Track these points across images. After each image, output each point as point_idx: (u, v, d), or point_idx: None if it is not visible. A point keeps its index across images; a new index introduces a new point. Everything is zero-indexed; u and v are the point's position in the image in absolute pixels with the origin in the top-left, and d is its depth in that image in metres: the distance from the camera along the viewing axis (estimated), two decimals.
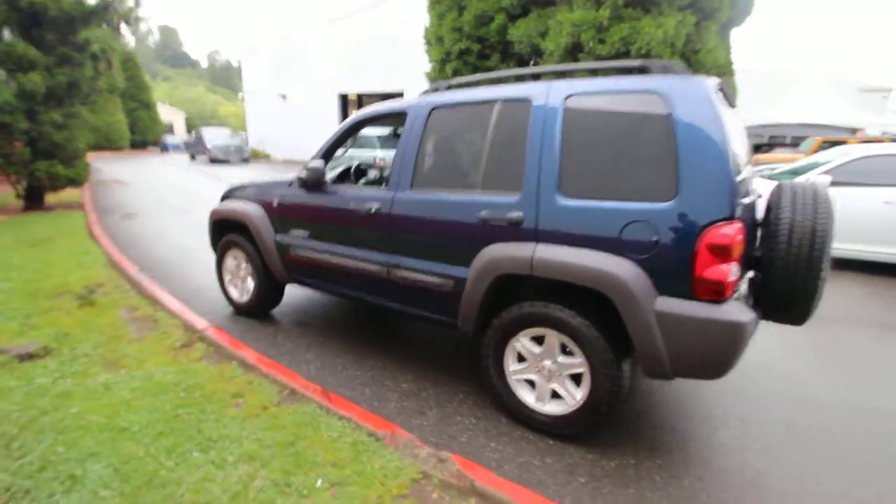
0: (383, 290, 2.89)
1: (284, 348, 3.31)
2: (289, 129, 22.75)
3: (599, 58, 8.30)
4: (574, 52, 8.60)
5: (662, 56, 7.99)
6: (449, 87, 2.79)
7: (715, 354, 1.96)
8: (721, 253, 1.88)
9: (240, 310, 3.90)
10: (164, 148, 28.41)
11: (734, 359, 1.95)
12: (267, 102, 23.50)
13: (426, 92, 2.85)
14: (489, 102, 2.51)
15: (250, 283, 3.80)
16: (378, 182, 4.04)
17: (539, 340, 2.38)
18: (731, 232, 1.87)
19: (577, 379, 2.32)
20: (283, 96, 22.67)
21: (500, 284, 2.41)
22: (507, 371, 2.48)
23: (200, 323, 3.50)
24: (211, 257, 5.59)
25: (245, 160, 21.33)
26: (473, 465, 2.06)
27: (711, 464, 2.22)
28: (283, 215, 3.39)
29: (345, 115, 22.78)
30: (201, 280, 4.75)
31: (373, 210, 2.81)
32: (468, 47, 10.17)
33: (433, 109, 2.71)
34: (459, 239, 2.51)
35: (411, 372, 3.02)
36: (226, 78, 64.22)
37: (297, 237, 3.31)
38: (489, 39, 10.05)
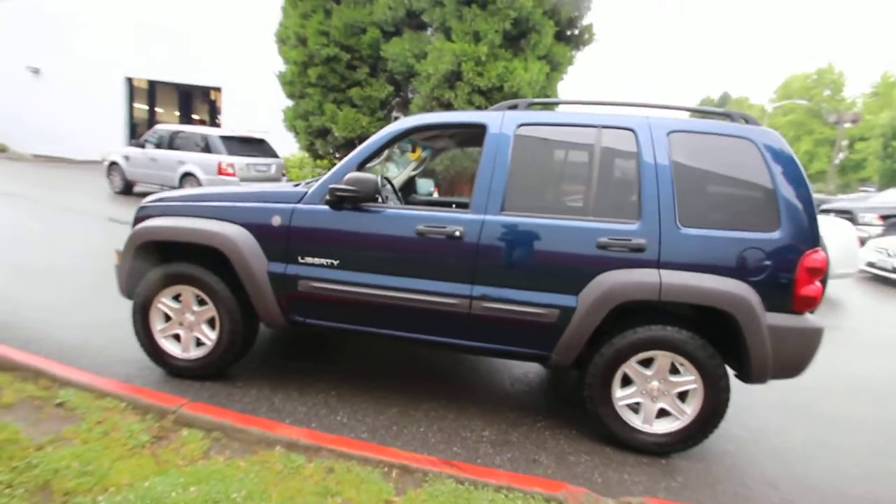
0: (459, 326, 2.49)
1: (300, 415, 2.50)
2: (45, 116, 17.13)
3: (478, 89, 8.94)
4: (452, 79, 9.04)
5: (527, 95, 9.11)
6: (530, 106, 2.63)
7: (804, 356, 2.37)
8: (815, 274, 2.30)
9: (182, 370, 2.77)
10: None
11: (813, 357, 2.39)
12: (4, 77, 17.19)
13: (499, 107, 2.62)
14: (590, 127, 2.48)
15: (208, 332, 2.75)
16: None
17: (645, 363, 2.44)
18: (821, 257, 2.31)
19: (681, 396, 2.46)
20: (36, 71, 17.01)
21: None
22: (613, 398, 2.45)
23: (165, 398, 2.35)
24: (39, 298, 3.85)
25: None
26: (665, 503, 1.98)
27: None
28: (291, 239, 2.58)
29: (132, 103, 18.46)
30: (50, 334, 3.16)
31: (456, 235, 2.41)
32: (337, 55, 9.57)
33: (520, 126, 2.51)
34: (570, 266, 2.38)
35: (476, 416, 2.68)
36: None
37: (317, 267, 2.57)
38: (360, 51, 9.69)
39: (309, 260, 2.58)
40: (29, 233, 6.18)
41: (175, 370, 2.78)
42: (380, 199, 2.83)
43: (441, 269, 2.47)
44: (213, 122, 20.41)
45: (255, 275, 2.59)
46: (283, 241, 2.60)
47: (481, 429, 2.55)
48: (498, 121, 2.54)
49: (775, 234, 2.30)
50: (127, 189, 10.72)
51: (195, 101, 23.96)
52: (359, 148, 2.63)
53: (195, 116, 24.30)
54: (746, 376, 2.42)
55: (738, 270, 2.30)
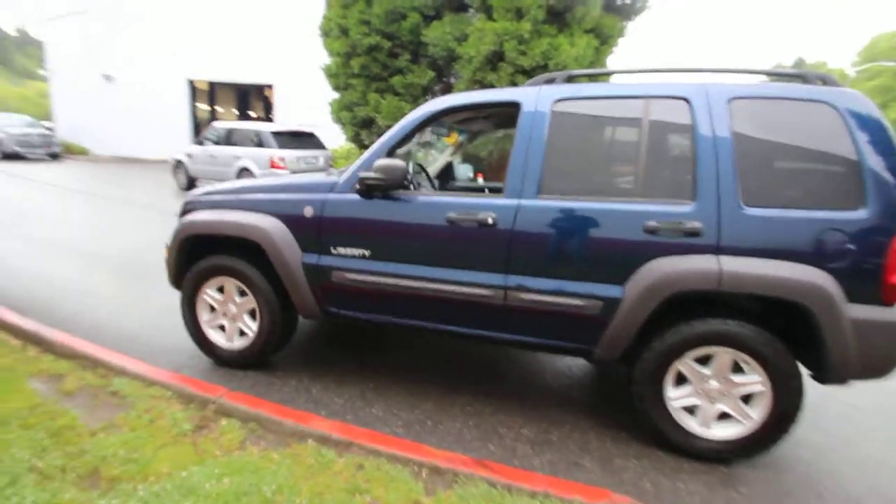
0: (494, 318, 2.37)
1: (336, 407, 2.50)
2: (118, 120, 18.51)
3: (521, 69, 8.60)
4: (495, 60, 8.75)
5: None
6: (568, 79, 2.42)
7: (893, 354, 2.03)
8: None
9: (227, 359, 2.86)
10: None
11: None
12: (84, 85, 18.69)
13: (535, 82, 2.43)
14: (637, 98, 2.24)
15: (250, 323, 2.81)
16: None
17: (703, 360, 2.21)
18: None
19: (745, 398, 2.20)
20: (108, 78, 18.39)
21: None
22: (666, 397, 2.24)
23: (208, 388, 2.43)
24: (105, 288, 4.14)
25: (54, 156, 16.66)
26: None
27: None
28: (323, 230, 2.56)
29: (194, 103, 19.55)
30: (111, 323, 3.38)
31: (488, 222, 2.28)
32: (378, 43, 9.55)
33: (558, 101, 2.31)
34: (614, 253, 2.18)
35: (516, 412, 2.56)
36: None
37: (349, 257, 2.54)
38: (401, 38, 9.59)
39: (341, 250, 2.55)
40: (101, 227, 6.71)
41: (221, 360, 2.87)
42: (411, 187, 2.75)
43: (474, 258, 2.35)
44: (268, 118, 21.28)
45: (290, 266, 2.59)
46: (315, 231, 2.58)
47: (520, 426, 2.43)
48: (533, 97, 2.36)
49: (860, 213, 1.97)
50: (191, 185, 11.38)
51: (251, 98, 25.09)
52: (387, 134, 2.54)
53: (251, 113, 25.50)
54: (823, 376, 2.12)
55: (814, 256, 2.00)
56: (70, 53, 18.78)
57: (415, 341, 3.45)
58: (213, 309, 2.88)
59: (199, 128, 19.17)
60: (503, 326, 2.39)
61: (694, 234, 2.08)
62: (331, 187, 2.59)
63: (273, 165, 9.68)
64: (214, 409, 2.26)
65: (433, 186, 3.28)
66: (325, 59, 11.06)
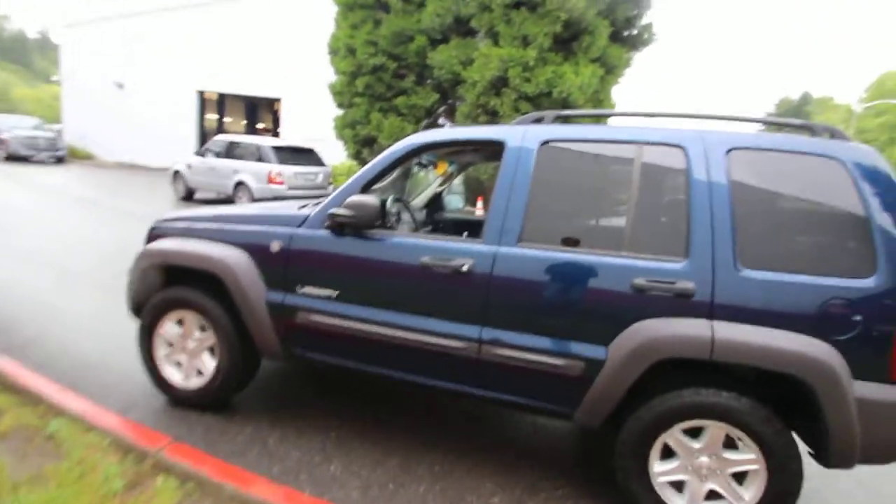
0: (467, 372, 2.18)
1: (291, 462, 2.29)
2: (126, 127, 18.70)
3: (525, 95, 8.54)
4: (499, 85, 8.70)
5: (578, 100, 8.59)
6: (557, 119, 2.28)
7: None
8: None
9: (182, 399, 2.66)
10: None
11: None
12: (95, 91, 18.96)
13: (522, 121, 2.29)
14: (629, 143, 2.09)
15: (208, 361, 2.62)
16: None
17: (693, 432, 2.00)
18: None
19: (738, 477, 1.98)
20: (120, 85, 18.60)
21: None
22: (651, 472, 2.02)
23: (151, 437, 2.23)
24: (76, 306, 3.97)
25: (59, 160, 16.76)
26: None
27: None
28: (289, 266, 2.39)
29: (203, 114, 19.69)
30: (73, 347, 3.21)
31: (463, 269, 2.11)
32: (384, 64, 9.55)
33: (544, 143, 2.16)
34: (598, 311, 2.00)
35: (488, 475, 2.33)
36: (17, 52, 50.36)
37: (315, 297, 2.36)
38: (406, 59, 9.59)
39: (308, 290, 2.38)
40: (88, 238, 6.58)
41: (177, 398, 2.68)
42: (389, 223, 2.59)
43: (447, 307, 2.17)
44: (275, 131, 21.38)
45: (253, 303, 2.42)
46: (281, 268, 2.41)
47: (490, 493, 2.21)
48: (518, 137, 2.20)
49: (869, 281, 1.79)
50: (189, 196, 11.33)
51: (260, 111, 25.25)
52: (363, 169, 2.40)
53: (260, 125, 25.65)
54: (825, 458, 1.91)
55: (817, 326, 1.81)
56: (84, 59, 19.08)
57: (390, 387, 3.23)
58: (171, 344, 2.70)
59: (205, 138, 19.28)
60: (476, 381, 2.20)
61: (685, 295, 1.90)
62: (301, 222, 2.43)
63: (270, 181, 9.60)
64: (152, 463, 2.06)
65: (414, 221, 3.12)
66: (333, 76, 11.10)
